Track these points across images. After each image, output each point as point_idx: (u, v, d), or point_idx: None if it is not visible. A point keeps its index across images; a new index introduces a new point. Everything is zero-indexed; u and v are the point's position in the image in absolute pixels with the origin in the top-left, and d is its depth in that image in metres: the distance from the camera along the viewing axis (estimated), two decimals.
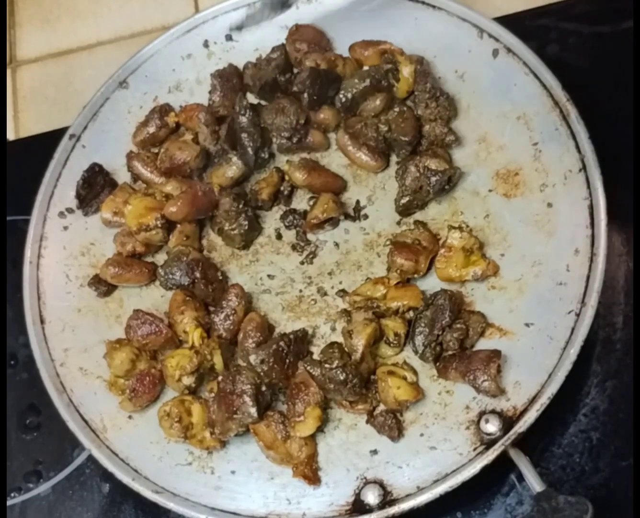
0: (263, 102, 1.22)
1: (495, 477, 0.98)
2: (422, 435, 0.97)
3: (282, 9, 1.23)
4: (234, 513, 0.96)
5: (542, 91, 1.11)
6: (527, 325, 1.00)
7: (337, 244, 1.12)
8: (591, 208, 1.02)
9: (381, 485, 0.94)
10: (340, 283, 1.09)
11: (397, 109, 1.13)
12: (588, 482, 0.98)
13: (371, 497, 0.93)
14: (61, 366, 1.08)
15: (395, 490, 0.94)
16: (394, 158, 1.15)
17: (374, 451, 0.97)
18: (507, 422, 0.93)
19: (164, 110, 1.22)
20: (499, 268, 1.04)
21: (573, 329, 0.96)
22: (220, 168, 1.16)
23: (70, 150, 1.23)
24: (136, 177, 1.21)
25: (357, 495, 0.94)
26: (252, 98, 1.22)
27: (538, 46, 1.15)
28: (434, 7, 1.21)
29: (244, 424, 0.97)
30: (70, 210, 1.19)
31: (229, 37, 1.28)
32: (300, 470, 0.96)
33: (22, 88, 1.45)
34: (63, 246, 1.18)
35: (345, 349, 1.00)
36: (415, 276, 1.04)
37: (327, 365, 0.97)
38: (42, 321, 1.12)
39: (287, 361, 1.00)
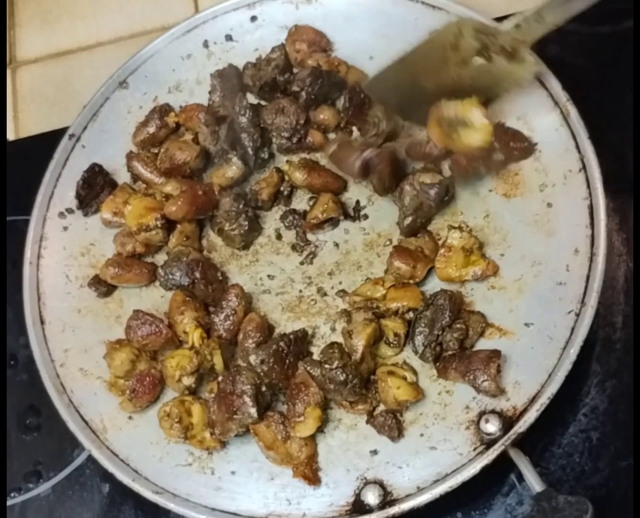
0: (263, 103, 1.22)
1: (496, 477, 0.98)
2: (422, 435, 0.97)
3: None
4: (234, 514, 0.96)
5: (542, 91, 1.11)
6: (526, 324, 1.00)
7: (337, 245, 1.12)
8: (591, 208, 1.02)
9: (381, 485, 0.94)
10: (340, 283, 1.09)
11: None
12: (588, 482, 0.98)
13: (371, 497, 0.93)
14: (61, 366, 1.08)
15: (395, 490, 0.94)
16: None
17: (374, 452, 0.97)
18: (507, 422, 0.93)
19: (164, 110, 1.23)
20: (499, 268, 1.04)
21: (573, 329, 0.96)
22: (220, 168, 1.16)
23: (70, 150, 1.22)
24: (136, 177, 1.21)
25: (357, 496, 0.94)
26: (252, 98, 1.22)
27: (538, 46, 1.14)
28: (434, 7, 1.21)
29: (244, 424, 0.97)
30: (70, 210, 1.19)
31: (228, 38, 1.28)
32: (300, 471, 0.96)
33: (22, 88, 1.45)
34: (63, 246, 1.18)
35: (345, 349, 1.00)
36: (411, 281, 1.04)
37: (327, 365, 0.97)
38: (42, 322, 1.12)
39: (287, 361, 1.00)
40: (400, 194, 1.08)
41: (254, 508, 0.96)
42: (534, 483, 0.90)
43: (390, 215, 1.12)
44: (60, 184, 1.21)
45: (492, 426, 0.93)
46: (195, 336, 1.03)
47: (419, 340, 1.00)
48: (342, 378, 0.96)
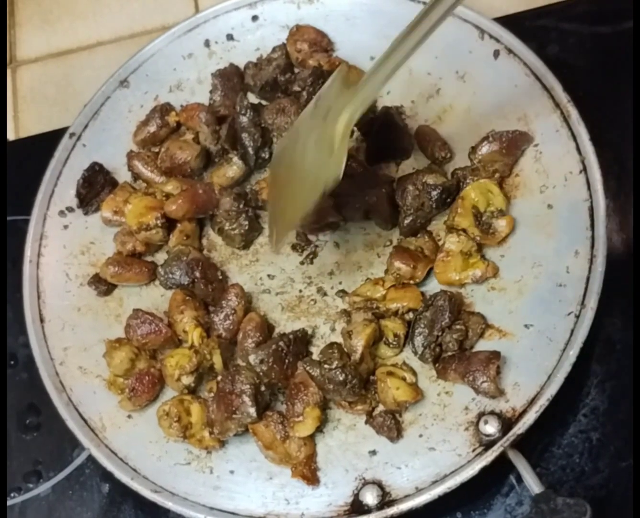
0: (264, 102, 1.22)
1: (495, 477, 0.98)
2: (421, 435, 0.97)
3: None
4: (233, 513, 0.96)
5: (543, 92, 1.11)
6: (526, 326, 0.99)
7: (337, 245, 1.12)
8: (591, 210, 1.02)
9: (380, 485, 0.94)
10: (340, 283, 1.09)
11: None
12: (588, 483, 0.97)
13: (370, 497, 0.93)
14: (60, 365, 1.08)
15: (394, 490, 0.94)
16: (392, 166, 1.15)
17: (373, 452, 0.97)
18: (506, 423, 0.93)
19: (164, 109, 1.22)
20: (499, 269, 1.04)
21: (572, 331, 0.96)
22: (220, 168, 1.16)
23: (71, 149, 1.22)
24: (136, 176, 1.21)
25: (356, 496, 0.94)
26: (252, 98, 1.22)
27: (538, 47, 1.14)
28: None
29: (243, 424, 0.98)
30: (70, 209, 1.19)
31: (230, 37, 1.28)
32: (299, 470, 0.96)
33: (22, 88, 1.45)
34: (63, 245, 1.18)
35: (345, 349, 1.00)
36: (411, 282, 1.04)
37: (326, 366, 0.97)
38: (41, 320, 1.12)
39: (287, 361, 1.00)
40: (403, 193, 1.08)
41: (252, 507, 0.96)
42: (533, 484, 0.90)
43: None
44: (60, 183, 1.21)
45: (491, 428, 0.93)
46: (194, 335, 1.03)
47: (419, 340, 1.00)
48: (341, 378, 0.96)
